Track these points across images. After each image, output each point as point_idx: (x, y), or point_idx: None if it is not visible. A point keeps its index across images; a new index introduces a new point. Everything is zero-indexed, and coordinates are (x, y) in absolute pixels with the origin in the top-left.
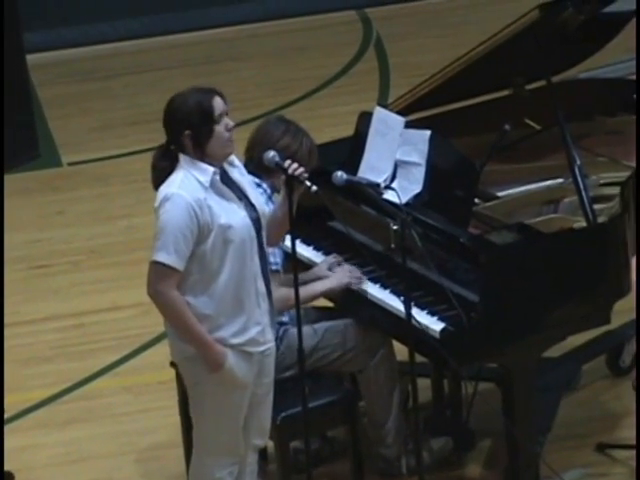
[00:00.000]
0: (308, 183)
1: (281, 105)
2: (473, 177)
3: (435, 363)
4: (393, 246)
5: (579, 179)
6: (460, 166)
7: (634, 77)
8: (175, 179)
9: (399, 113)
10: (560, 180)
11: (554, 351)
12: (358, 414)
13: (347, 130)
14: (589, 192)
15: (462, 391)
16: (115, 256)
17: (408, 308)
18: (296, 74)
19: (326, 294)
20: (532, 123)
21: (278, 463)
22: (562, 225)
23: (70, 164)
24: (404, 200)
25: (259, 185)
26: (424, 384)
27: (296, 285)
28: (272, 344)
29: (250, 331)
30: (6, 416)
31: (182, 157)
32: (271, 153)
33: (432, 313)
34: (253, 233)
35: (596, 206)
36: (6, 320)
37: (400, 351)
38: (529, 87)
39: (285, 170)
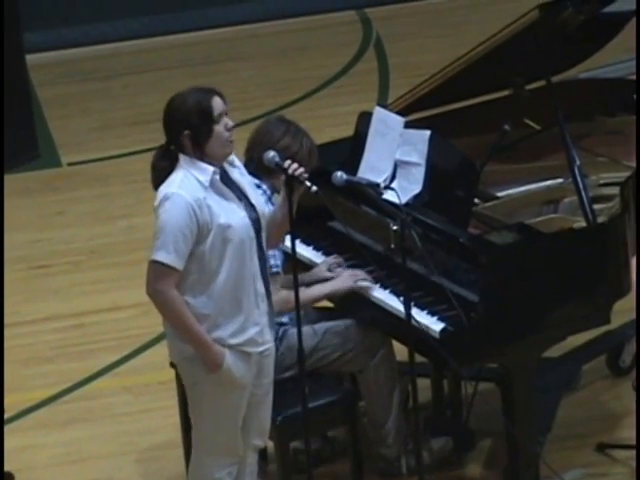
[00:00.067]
0: (308, 183)
1: (281, 105)
2: (473, 177)
3: (435, 363)
4: (393, 246)
5: (579, 179)
6: (460, 166)
7: (634, 77)
8: (175, 179)
9: (399, 113)
10: (560, 180)
11: (554, 351)
12: (358, 414)
13: (347, 130)
14: (589, 192)
15: (462, 391)
16: (115, 256)
17: (408, 308)
18: (296, 74)
19: (328, 297)
20: (532, 123)
21: (278, 463)
22: (562, 225)
23: (70, 164)
24: (404, 200)
25: (259, 186)
26: (424, 384)
27: (296, 285)
28: (271, 345)
29: (248, 331)
30: (6, 416)
31: (182, 157)
32: (271, 153)
33: (432, 313)
34: (252, 233)
35: (596, 206)
36: (6, 320)
37: (400, 351)
38: (529, 87)
39: (285, 170)
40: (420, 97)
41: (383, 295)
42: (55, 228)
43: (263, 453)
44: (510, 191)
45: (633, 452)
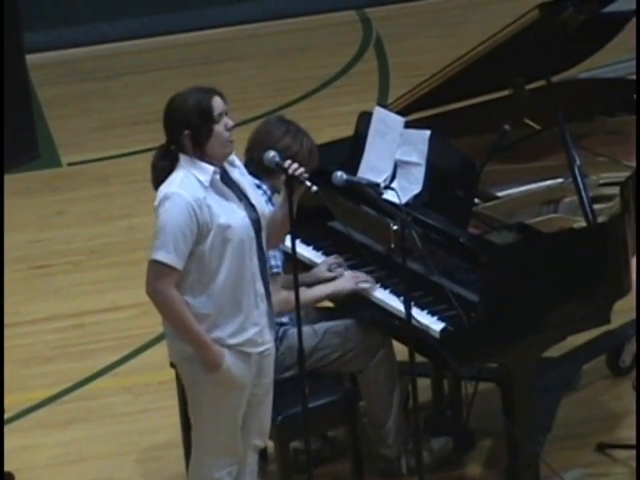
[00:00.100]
0: (308, 183)
1: (281, 105)
2: (473, 177)
3: (435, 363)
4: (393, 246)
5: (579, 179)
6: (460, 166)
7: (634, 77)
8: (175, 178)
9: (399, 113)
10: (560, 180)
11: (554, 351)
12: (358, 414)
13: (347, 130)
14: (589, 192)
15: (462, 391)
16: (115, 256)
17: (408, 308)
18: (296, 74)
19: (329, 298)
20: (532, 123)
21: (278, 463)
22: (562, 225)
23: (70, 164)
24: (404, 200)
25: (259, 186)
26: (424, 384)
27: (296, 286)
28: (270, 345)
29: (248, 331)
30: (6, 416)
31: (182, 157)
32: (271, 153)
33: (432, 313)
34: (252, 233)
35: (596, 206)
36: (6, 320)
37: (400, 351)
38: (529, 87)
39: (285, 170)
40: (420, 97)
41: (383, 295)
42: (55, 228)
43: (263, 453)
44: (510, 191)
45: (633, 452)
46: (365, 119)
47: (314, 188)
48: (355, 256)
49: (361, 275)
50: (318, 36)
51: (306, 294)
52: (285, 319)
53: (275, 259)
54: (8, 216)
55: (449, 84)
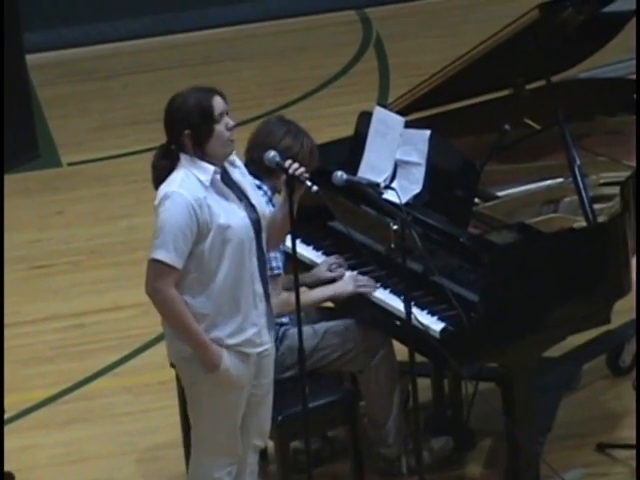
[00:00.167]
0: (309, 183)
1: (281, 105)
2: (473, 177)
3: (435, 363)
4: (393, 246)
5: (579, 179)
6: (460, 166)
7: (634, 77)
8: (175, 178)
9: (399, 113)
10: (560, 180)
11: (554, 351)
12: (358, 414)
13: (347, 130)
14: (589, 192)
15: (462, 391)
16: (115, 256)
17: (408, 308)
18: (296, 74)
19: (329, 300)
20: (532, 123)
21: (278, 463)
22: (562, 225)
23: (70, 164)
24: (404, 200)
25: (260, 187)
26: (424, 384)
27: (296, 286)
28: (270, 345)
29: (246, 332)
30: (6, 416)
31: (183, 156)
32: (272, 153)
33: (432, 313)
34: (252, 234)
35: (596, 206)
36: (6, 320)
37: (400, 351)
38: (529, 87)
39: (286, 170)
40: (420, 97)
41: (383, 295)
42: (55, 228)
43: (263, 453)
44: (510, 191)
45: (633, 452)
46: (365, 119)
47: (314, 188)
48: (355, 256)
49: (362, 278)
50: (318, 36)
51: (306, 296)
52: (285, 319)
53: (276, 260)
54: (8, 216)
55: (449, 84)
